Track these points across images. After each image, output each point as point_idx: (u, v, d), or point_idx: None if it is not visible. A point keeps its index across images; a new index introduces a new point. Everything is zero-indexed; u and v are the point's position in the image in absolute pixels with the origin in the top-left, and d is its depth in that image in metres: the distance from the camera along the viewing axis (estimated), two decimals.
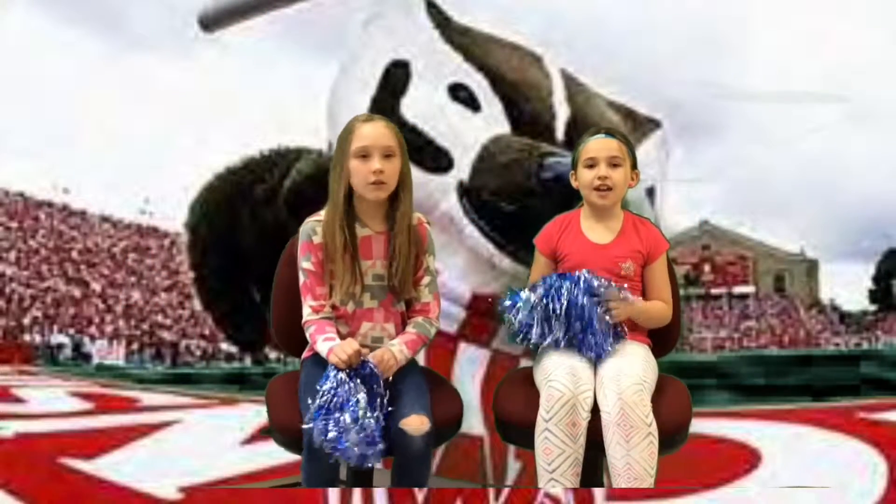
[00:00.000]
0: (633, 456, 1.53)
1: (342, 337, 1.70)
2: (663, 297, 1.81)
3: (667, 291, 1.81)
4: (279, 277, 1.89)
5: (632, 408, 1.55)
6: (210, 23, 3.74)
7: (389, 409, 1.58)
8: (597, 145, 1.79)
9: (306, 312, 1.73)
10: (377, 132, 1.69)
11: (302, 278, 1.73)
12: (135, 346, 30.21)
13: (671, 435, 1.61)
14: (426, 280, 1.79)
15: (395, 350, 1.70)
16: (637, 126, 3.33)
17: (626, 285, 1.75)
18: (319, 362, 1.67)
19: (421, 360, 1.88)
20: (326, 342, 1.66)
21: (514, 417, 1.70)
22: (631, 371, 1.63)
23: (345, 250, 1.67)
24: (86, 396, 10.30)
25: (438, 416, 1.63)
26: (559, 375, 1.62)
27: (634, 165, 1.83)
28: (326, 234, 1.69)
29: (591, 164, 1.78)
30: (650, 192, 3.09)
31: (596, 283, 1.69)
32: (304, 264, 1.72)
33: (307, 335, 1.72)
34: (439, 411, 1.65)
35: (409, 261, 1.73)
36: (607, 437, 1.56)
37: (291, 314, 1.80)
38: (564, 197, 1.86)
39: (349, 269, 1.68)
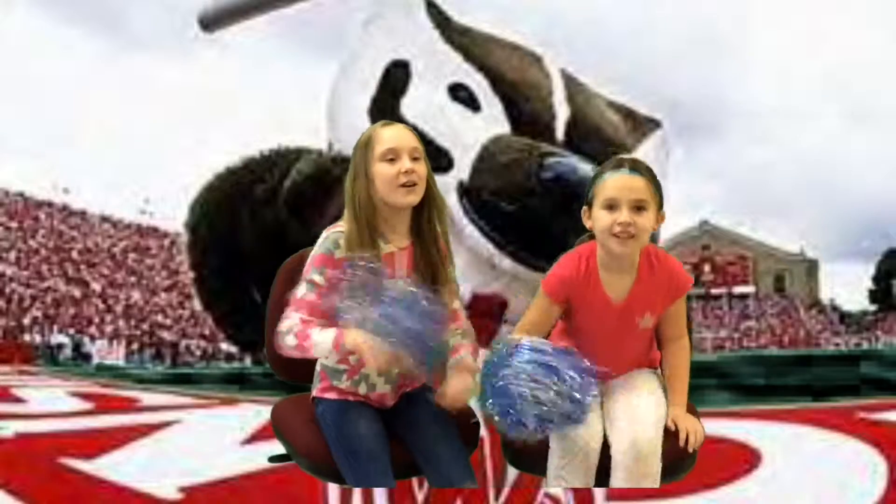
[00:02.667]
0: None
1: (352, 362, 1.57)
2: (677, 333, 1.65)
3: (681, 324, 1.65)
4: (275, 297, 1.81)
5: (646, 459, 1.48)
6: (210, 23, 3.74)
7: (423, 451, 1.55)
8: (619, 184, 1.53)
9: (289, 322, 1.53)
10: (402, 133, 1.58)
11: (303, 290, 1.55)
12: (135, 346, 30.19)
13: (682, 460, 1.57)
14: (452, 288, 1.67)
15: (470, 361, 1.58)
16: (637, 126, 3.32)
17: None
18: (345, 409, 1.57)
19: None
20: (326, 332, 1.49)
21: (524, 446, 1.59)
22: (645, 414, 1.53)
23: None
24: (86, 396, 10.30)
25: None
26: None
27: (661, 206, 1.58)
28: (351, 251, 1.53)
29: (611, 206, 1.53)
30: None
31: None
32: (315, 277, 1.54)
33: (283, 341, 1.52)
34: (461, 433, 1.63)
35: (438, 274, 1.61)
36: (615, 476, 1.51)
37: None
38: (564, 197, 1.84)
39: None
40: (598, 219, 1.55)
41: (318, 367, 1.67)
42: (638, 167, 1.56)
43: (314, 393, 1.66)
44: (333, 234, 1.56)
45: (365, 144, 1.59)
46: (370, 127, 1.63)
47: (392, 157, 1.55)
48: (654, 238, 1.66)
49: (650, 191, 1.53)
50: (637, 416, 1.52)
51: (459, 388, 1.54)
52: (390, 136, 1.57)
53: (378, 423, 1.57)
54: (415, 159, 1.56)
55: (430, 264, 1.60)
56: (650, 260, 1.60)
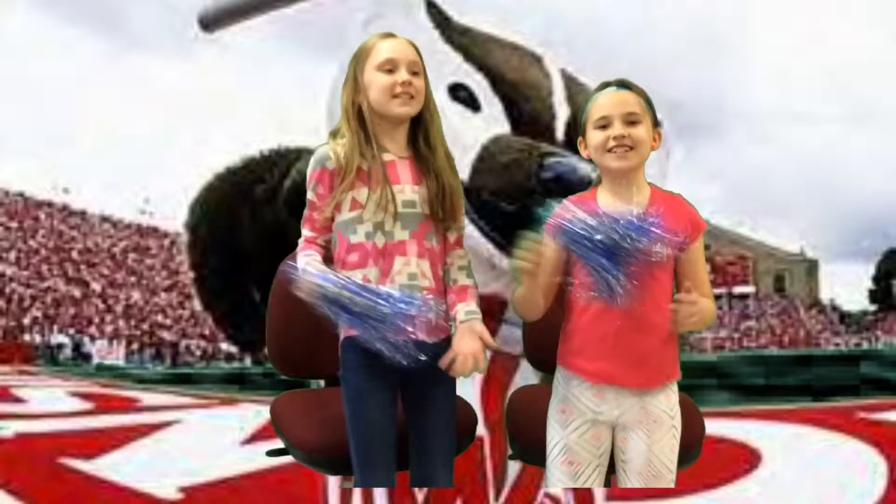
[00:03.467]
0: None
1: (373, 277, 1.46)
2: (704, 292, 1.45)
3: (707, 284, 1.49)
4: (275, 296, 1.83)
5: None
6: (210, 23, 3.74)
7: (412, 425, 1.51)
8: (608, 101, 1.46)
9: (299, 244, 1.52)
10: (403, 46, 1.53)
11: (306, 210, 1.53)
12: (135, 346, 30.20)
13: (685, 451, 1.57)
14: (458, 192, 1.57)
15: (477, 323, 1.47)
16: None
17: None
18: (363, 393, 1.45)
19: None
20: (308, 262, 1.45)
21: (535, 441, 1.61)
22: (658, 476, 1.48)
23: (370, 171, 1.47)
24: (86, 396, 10.31)
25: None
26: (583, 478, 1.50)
27: (656, 123, 1.50)
28: (346, 155, 1.47)
29: (604, 125, 1.45)
30: None
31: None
32: (309, 194, 1.51)
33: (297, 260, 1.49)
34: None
35: (449, 180, 1.53)
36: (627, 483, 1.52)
37: (287, 336, 1.78)
38: (565, 197, 1.83)
39: (377, 192, 1.46)
40: (591, 139, 1.48)
41: None
42: (626, 83, 1.49)
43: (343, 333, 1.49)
44: (325, 148, 1.52)
45: (361, 54, 1.55)
46: (369, 38, 1.58)
47: (389, 68, 1.51)
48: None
49: (642, 104, 1.47)
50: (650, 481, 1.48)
51: (468, 350, 1.43)
52: (389, 46, 1.53)
53: (390, 423, 1.46)
54: (413, 73, 1.52)
55: (440, 169, 1.53)
56: (664, 194, 1.51)
